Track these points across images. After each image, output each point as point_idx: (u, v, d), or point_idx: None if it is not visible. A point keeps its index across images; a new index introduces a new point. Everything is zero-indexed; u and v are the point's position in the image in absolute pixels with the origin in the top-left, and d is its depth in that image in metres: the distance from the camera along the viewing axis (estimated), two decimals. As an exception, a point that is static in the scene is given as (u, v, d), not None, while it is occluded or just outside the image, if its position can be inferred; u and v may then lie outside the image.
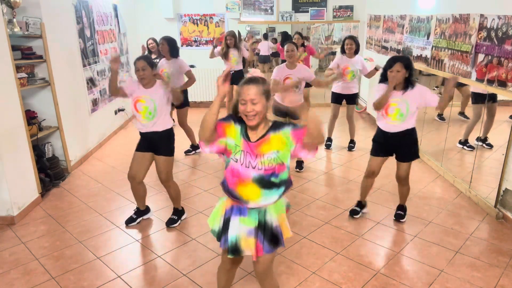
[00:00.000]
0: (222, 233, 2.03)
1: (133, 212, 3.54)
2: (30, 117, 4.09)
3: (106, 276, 2.80)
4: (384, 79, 3.20)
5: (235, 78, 4.43)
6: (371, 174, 3.44)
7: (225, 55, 5.91)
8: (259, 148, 1.92)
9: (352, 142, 5.44)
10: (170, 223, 3.46)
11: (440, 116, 5.70)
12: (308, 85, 4.43)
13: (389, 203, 3.80)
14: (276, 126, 1.96)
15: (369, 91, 6.90)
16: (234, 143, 1.94)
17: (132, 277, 2.79)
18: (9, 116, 3.54)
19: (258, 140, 1.93)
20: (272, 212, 1.99)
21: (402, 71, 3.05)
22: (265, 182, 1.92)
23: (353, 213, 3.56)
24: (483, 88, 3.77)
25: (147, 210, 3.60)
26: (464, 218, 3.54)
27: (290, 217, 3.56)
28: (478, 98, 4.74)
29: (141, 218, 3.55)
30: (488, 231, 3.32)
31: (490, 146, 4.80)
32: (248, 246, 1.97)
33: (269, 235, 1.98)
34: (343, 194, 4.04)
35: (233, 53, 5.90)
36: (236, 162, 1.93)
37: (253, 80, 1.90)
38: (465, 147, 4.97)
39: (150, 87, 3.20)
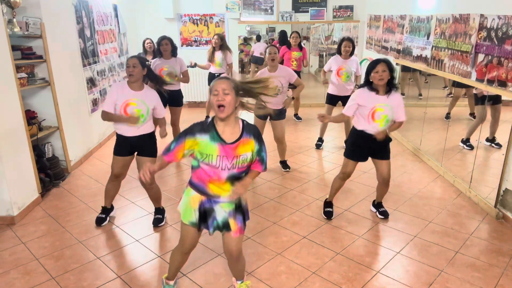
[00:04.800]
0: (201, 221, 2.18)
1: (101, 212, 3.55)
2: (30, 117, 4.09)
3: (106, 276, 2.80)
4: (366, 83, 3.17)
5: None
6: (347, 177, 3.44)
7: (210, 58, 5.95)
8: (237, 149, 2.06)
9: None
10: (157, 223, 3.47)
11: (473, 115, 5.63)
12: (292, 86, 4.41)
13: (389, 203, 3.79)
14: (248, 129, 2.12)
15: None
16: (205, 153, 2.05)
17: (132, 277, 2.79)
18: (9, 116, 3.54)
19: (235, 142, 2.06)
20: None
21: (387, 71, 3.04)
22: (235, 179, 2.11)
23: (329, 215, 3.54)
24: (483, 88, 3.77)
25: (112, 208, 3.63)
26: (464, 218, 3.54)
27: (290, 217, 3.56)
28: (481, 100, 4.73)
29: (110, 216, 3.59)
30: (488, 231, 3.32)
31: (499, 145, 4.79)
32: (233, 226, 2.18)
33: (241, 213, 2.22)
34: (343, 194, 4.03)
35: (217, 55, 5.94)
36: (209, 165, 2.06)
37: (224, 77, 2.09)
38: (465, 146, 4.97)
39: (140, 90, 3.19)
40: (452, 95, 5.67)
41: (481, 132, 4.54)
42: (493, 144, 4.79)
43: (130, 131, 3.22)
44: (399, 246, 3.12)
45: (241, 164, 2.08)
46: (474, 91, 4.77)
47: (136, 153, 3.34)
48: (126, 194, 4.09)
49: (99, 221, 3.48)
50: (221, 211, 2.17)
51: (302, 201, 3.90)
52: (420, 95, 5.88)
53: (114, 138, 6.08)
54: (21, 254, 3.07)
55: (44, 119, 4.32)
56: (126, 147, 3.29)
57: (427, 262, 2.90)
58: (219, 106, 2.01)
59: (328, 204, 3.63)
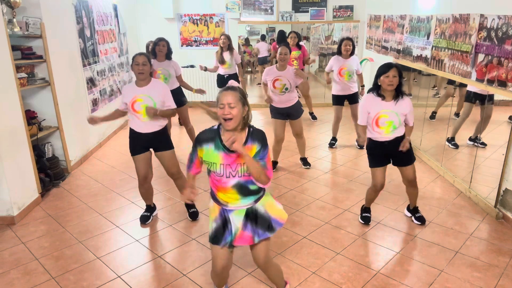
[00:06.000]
0: (222, 232, 2.13)
1: (145, 210, 3.59)
2: (30, 117, 4.09)
3: (106, 276, 2.80)
4: (375, 87, 3.10)
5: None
6: (380, 187, 3.29)
7: (220, 59, 5.87)
8: (240, 157, 2.01)
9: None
10: (195, 216, 3.54)
11: (457, 114, 5.66)
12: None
13: (389, 203, 3.79)
14: (254, 136, 2.07)
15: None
16: (209, 161, 2.05)
17: (132, 277, 2.79)
18: (9, 116, 3.54)
19: None
20: (258, 204, 2.15)
21: (397, 76, 2.96)
22: (243, 189, 2.07)
23: (367, 220, 3.46)
24: (482, 88, 3.77)
25: (155, 207, 3.67)
26: (464, 218, 3.54)
27: (290, 217, 3.56)
28: (471, 97, 4.74)
29: (153, 215, 3.61)
30: (488, 231, 3.32)
31: (484, 144, 4.79)
32: (241, 237, 2.13)
33: (262, 222, 2.14)
34: (343, 194, 4.04)
35: (226, 56, 5.87)
36: (215, 173, 2.06)
37: (231, 88, 2.04)
38: (450, 145, 4.97)
39: (145, 85, 3.20)
40: (439, 95, 5.69)
41: (481, 132, 4.55)
42: (477, 143, 4.78)
43: (144, 127, 3.24)
44: (399, 246, 3.12)
45: (246, 171, 2.03)
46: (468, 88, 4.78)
47: (152, 150, 3.36)
48: (126, 194, 4.09)
49: (144, 219, 3.51)
50: (235, 221, 2.12)
51: (302, 201, 3.90)
52: (410, 94, 5.91)
53: (114, 138, 6.13)
54: (21, 254, 3.07)
55: (44, 119, 4.32)
56: (140, 143, 3.29)
57: (427, 262, 2.90)
58: (225, 119, 1.98)
59: (365, 209, 3.52)
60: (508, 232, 3.30)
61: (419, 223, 3.42)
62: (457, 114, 5.58)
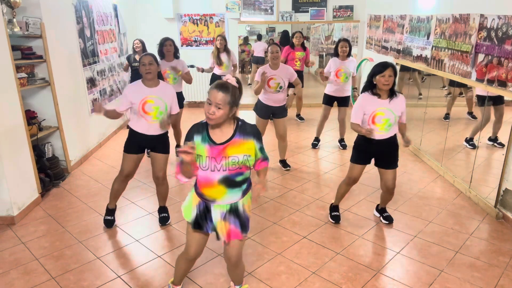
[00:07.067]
0: (202, 220, 2.16)
1: (107, 213, 3.50)
2: (30, 117, 4.09)
3: (106, 276, 2.80)
4: (369, 86, 3.09)
5: None
6: (353, 182, 3.35)
7: (218, 61, 5.84)
8: (225, 150, 2.01)
9: (343, 140, 5.49)
10: (164, 221, 3.48)
11: (472, 115, 5.63)
12: (292, 85, 4.49)
13: (389, 203, 3.79)
14: (244, 130, 2.05)
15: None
16: (197, 153, 2.02)
17: (132, 277, 2.79)
18: (9, 116, 3.54)
19: (224, 142, 2.01)
20: (240, 202, 2.16)
21: (393, 76, 2.96)
22: (230, 182, 2.06)
23: (336, 219, 3.48)
24: (483, 89, 3.77)
25: (116, 208, 3.55)
26: (464, 218, 3.54)
27: (290, 217, 3.56)
28: (485, 101, 4.73)
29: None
30: (488, 231, 3.32)
31: (502, 145, 4.78)
32: (222, 229, 2.14)
33: (241, 221, 2.16)
34: (343, 194, 4.04)
35: (223, 57, 5.83)
36: (201, 166, 2.04)
37: (225, 87, 1.96)
38: (468, 145, 4.96)
39: (155, 87, 3.16)
40: (451, 95, 5.67)
41: (481, 132, 4.54)
42: (495, 144, 4.79)
43: (149, 129, 3.19)
44: (399, 246, 3.12)
45: (231, 165, 2.01)
46: (477, 92, 4.76)
47: (148, 150, 3.34)
48: (126, 194, 4.08)
49: (109, 223, 3.45)
50: (215, 212, 2.14)
51: (302, 201, 3.90)
52: (420, 94, 5.88)
53: (114, 138, 6.13)
54: (21, 254, 3.07)
55: (44, 119, 4.32)
56: (138, 144, 3.26)
57: (427, 262, 2.90)
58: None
59: (334, 208, 3.56)
60: (508, 232, 3.30)
61: (387, 222, 3.45)
62: (470, 113, 5.57)
